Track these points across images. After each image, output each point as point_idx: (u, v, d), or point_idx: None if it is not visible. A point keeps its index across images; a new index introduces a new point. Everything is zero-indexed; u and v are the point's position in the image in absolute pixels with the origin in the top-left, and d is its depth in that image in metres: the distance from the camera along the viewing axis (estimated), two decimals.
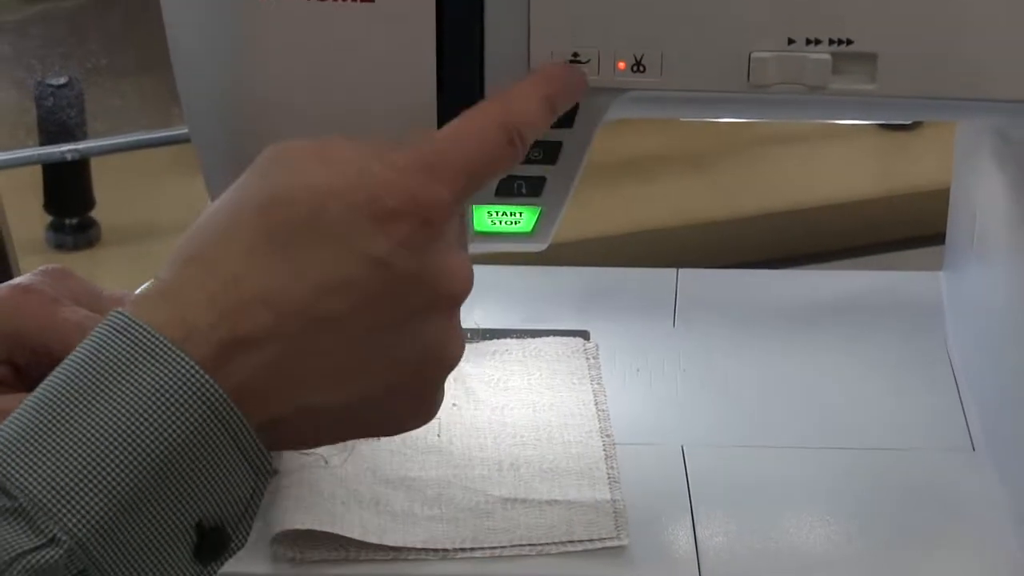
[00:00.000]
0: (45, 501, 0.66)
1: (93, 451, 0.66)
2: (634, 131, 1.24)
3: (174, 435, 0.67)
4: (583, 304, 1.05)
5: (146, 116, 1.30)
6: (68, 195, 1.30)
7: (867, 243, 1.32)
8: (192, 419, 0.67)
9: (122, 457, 0.66)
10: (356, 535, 0.86)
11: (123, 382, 0.67)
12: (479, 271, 1.04)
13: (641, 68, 0.82)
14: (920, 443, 0.95)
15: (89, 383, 0.68)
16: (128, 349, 0.68)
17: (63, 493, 0.66)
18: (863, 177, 1.37)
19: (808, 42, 0.81)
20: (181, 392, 0.67)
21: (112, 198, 1.31)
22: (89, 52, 1.39)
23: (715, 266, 1.11)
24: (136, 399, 0.67)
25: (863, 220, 1.34)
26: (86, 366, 0.68)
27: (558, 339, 1.00)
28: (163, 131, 1.28)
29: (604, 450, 0.92)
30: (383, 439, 0.91)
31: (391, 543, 0.86)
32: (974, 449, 0.95)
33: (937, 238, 1.08)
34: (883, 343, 1.03)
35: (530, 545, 0.86)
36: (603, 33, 0.81)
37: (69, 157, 1.26)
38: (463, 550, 0.86)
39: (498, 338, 1.01)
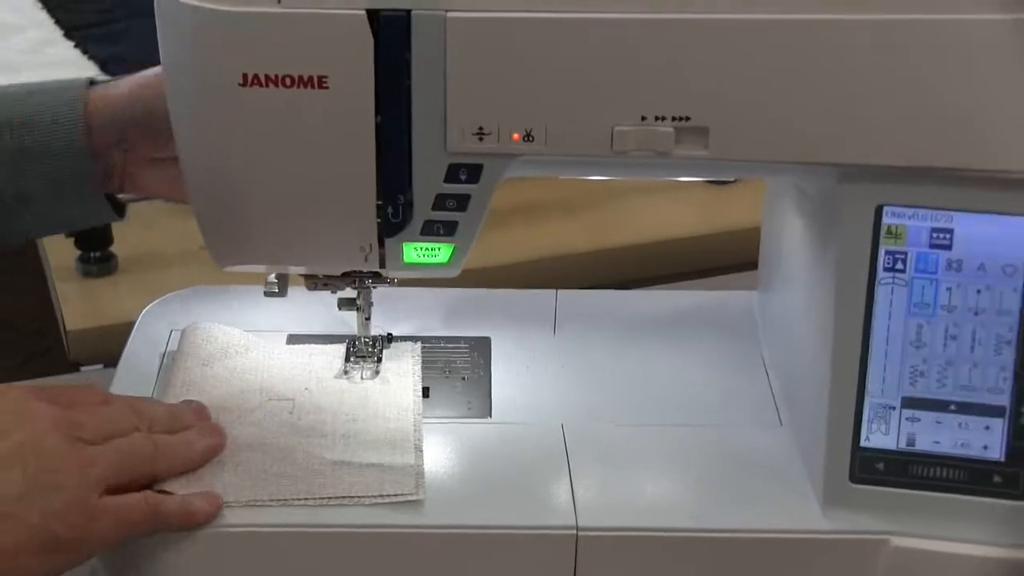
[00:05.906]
0: None
1: None
2: (525, 186, 1.24)
3: None
4: (484, 317, 1.05)
5: None
6: (93, 234, 1.28)
7: (700, 269, 1.32)
8: None
9: None
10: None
11: None
12: (409, 292, 1.04)
13: (531, 138, 0.82)
14: (741, 420, 0.95)
15: None
16: None
17: None
18: (696, 219, 1.37)
19: (657, 119, 0.81)
20: None
21: (127, 236, 1.30)
22: None
23: (585, 287, 1.11)
24: None
25: (696, 251, 1.35)
26: None
27: (397, 344, 1.00)
28: None
29: (413, 425, 0.92)
30: (248, 419, 0.91)
31: (244, 499, 0.86)
32: (781, 424, 0.95)
33: (752, 265, 1.08)
34: (712, 345, 1.03)
35: (349, 497, 0.86)
36: (501, 112, 0.81)
37: None
38: (299, 499, 0.86)
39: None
